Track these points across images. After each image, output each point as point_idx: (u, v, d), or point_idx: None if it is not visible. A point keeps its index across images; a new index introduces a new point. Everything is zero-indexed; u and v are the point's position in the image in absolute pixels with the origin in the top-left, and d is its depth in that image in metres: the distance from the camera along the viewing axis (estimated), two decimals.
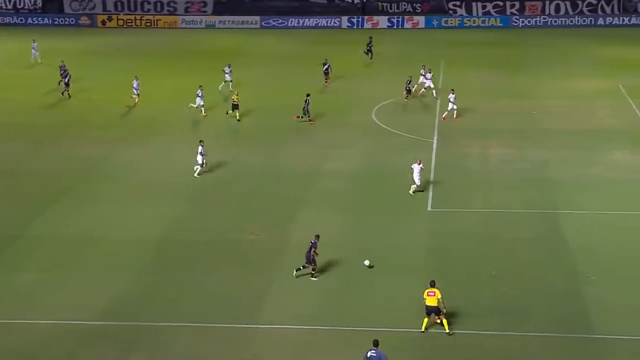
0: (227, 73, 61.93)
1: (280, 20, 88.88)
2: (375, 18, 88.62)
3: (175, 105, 58.66)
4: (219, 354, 28.86)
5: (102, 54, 77.19)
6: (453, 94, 54.02)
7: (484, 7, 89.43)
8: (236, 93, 55.47)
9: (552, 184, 43.29)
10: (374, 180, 44.63)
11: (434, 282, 29.97)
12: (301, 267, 33.86)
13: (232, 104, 54.72)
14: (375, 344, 26.20)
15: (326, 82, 63.25)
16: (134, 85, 58.69)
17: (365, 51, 71.27)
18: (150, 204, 41.54)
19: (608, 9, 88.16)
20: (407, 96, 58.47)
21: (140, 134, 53.04)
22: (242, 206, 41.37)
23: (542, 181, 43.88)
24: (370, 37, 71.72)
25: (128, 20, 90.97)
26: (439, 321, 29.60)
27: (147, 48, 79.89)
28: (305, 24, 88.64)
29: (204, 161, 45.10)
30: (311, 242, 33.95)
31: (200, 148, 44.97)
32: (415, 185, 41.59)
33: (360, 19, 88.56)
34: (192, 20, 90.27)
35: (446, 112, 53.95)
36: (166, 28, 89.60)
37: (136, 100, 58.59)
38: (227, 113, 55.08)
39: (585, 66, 69.03)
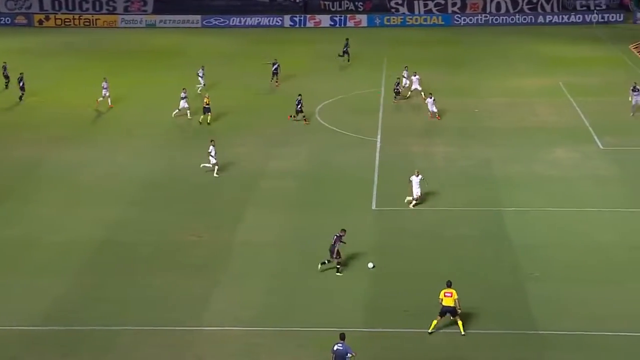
0: (200, 76, 60.79)
1: (222, 20, 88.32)
2: (318, 17, 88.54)
3: (116, 105, 57.81)
4: (162, 357, 28.47)
5: (39, 54, 75.92)
6: (431, 97, 53.76)
7: (425, 5, 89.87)
8: (207, 96, 54.25)
9: (495, 182, 43.54)
10: (318, 179, 44.51)
11: (451, 282, 29.81)
12: (326, 261, 33.84)
13: (204, 107, 53.37)
14: (342, 337, 26.28)
15: (276, 82, 62.77)
16: (104, 87, 57.15)
17: (341, 53, 69.77)
18: (92, 206, 40.92)
19: (548, 7, 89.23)
20: (395, 97, 57.83)
21: (81, 134, 52.27)
22: (185, 207, 40.94)
23: (485, 179, 44.13)
24: (347, 39, 70.71)
25: (66, 20, 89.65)
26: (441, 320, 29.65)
27: (87, 48, 78.80)
28: (247, 23, 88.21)
29: (216, 161, 44.61)
30: (335, 236, 33.84)
31: (211, 148, 44.50)
32: (411, 197, 40.23)
33: (302, 18, 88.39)
34: (132, 20, 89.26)
35: (432, 112, 53.56)
36: (105, 27, 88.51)
37: (98, 101, 56.99)
38: (200, 122, 53.65)
39: (526, 64, 69.71)
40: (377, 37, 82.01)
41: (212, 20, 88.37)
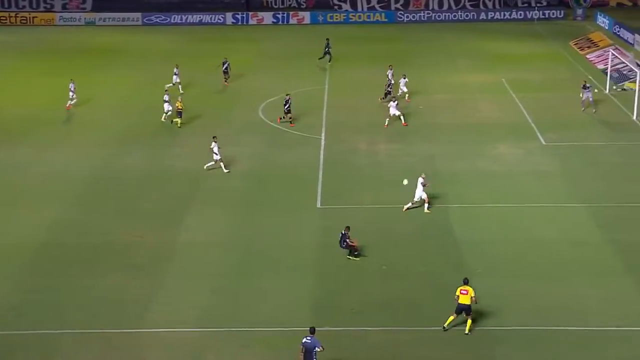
0: (175, 74, 59.56)
1: (163, 17, 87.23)
2: (260, 14, 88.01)
3: (55, 104, 56.84)
4: None
5: None
6: (394, 101, 53.01)
7: (368, 2, 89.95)
8: (180, 99, 52.82)
9: (439, 178, 43.48)
10: (262, 178, 44.17)
11: (468, 279, 29.69)
12: (350, 257, 34.55)
13: (177, 111, 51.96)
14: (312, 331, 26.39)
15: (225, 81, 62.01)
16: (71, 89, 55.42)
17: (323, 54, 68.16)
18: (31, 207, 40.11)
19: (490, 4, 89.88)
20: (384, 99, 56.19)
21: (18, 134, 51.20)
22: (128, 208, 40.35)
23: (430, 175, 43.99)
24: (327, 39, 69.71)
25: (2, 18, 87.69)
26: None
27: (24, 46, 77.27)
28: (188, 21, 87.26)
29: (220, 157, 44.25)
30: (342, 233, 34.35)
31: (213, 144, 44.13)
32: (413, 202, 39.56)
33: (244, 15, 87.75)
34: (71, 18, 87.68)
35: (392, 115, 52.35)
36: (43, 26, 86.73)
37: (69, 104, 55.24)
38: (171, 122, 52.16)
39: (469, 61, 69.94)
40: (320, 34, 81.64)
41: (152, 17, 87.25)
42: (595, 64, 67.48)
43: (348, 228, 34.70)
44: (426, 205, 39.46)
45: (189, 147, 48.79)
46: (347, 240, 34.49)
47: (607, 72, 61.28)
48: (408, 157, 46.94)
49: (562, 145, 48.62)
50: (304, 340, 26.25)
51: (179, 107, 51.97)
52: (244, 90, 60.86)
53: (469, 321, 29.37)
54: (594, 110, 54.16)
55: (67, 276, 33.49)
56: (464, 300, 29.20)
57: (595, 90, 55.15)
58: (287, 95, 52.77)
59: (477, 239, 36.74)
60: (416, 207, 39.58)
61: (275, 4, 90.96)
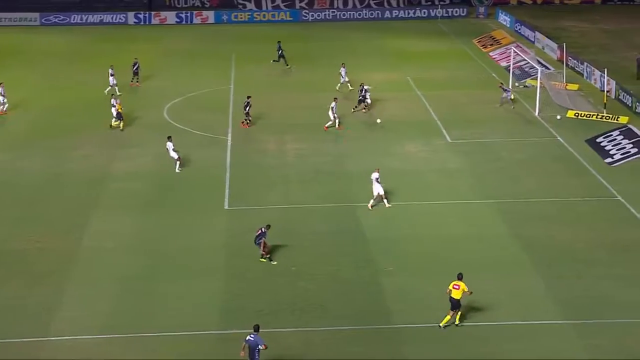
0: (111, 75, 57.74)
1: (62, 17, 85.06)
2: (163, 14, 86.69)
3: None
4: None
5: None
6: (335, 102, 52.14)
7: (273, 1, 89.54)
8: (119, 102, 51.25)
9: (348, 177, 43.51)
10: (167, 180, 43.42)
11: (462, 275, 29.52)
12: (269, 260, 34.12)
13: (117, 113, 50.44)
14: (255, 329, 26.29)
15: (137, 82, 60.67)
16: (0, 92, 53.37)
17: (277, 58, 66.86)
18: None
19: (394, 2, 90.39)
20: (358, 108, 54.40)
21: None
22: (26, 213, 39.22)
23: (339, 174, 44.07)
24: (279, 42, 68.39)
25: None
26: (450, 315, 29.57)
27: None
28: (88, 21, 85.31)
29: (177, 157, 43.70)
30: (261, 230, 33.86)
31: (169, 144, 43.62)
32: (373, 200, 39.44)
33: (147, 15, 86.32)
34: None
35: (333, 118, 51.42)
36: None
37: (3, 110, 53.33)
38: (110, 126, 50.59)
39: (375, 59, 70.08)
40: (224, 33, 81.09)
41: (51, 17, 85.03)
42: (498, 62, 68.43)
43: (268, 227, 34.41)
44: (385, 200, 39.39)
45: (90, 149, 47.65)
46: (264, 239, 34.07)
47: (509, 70, 62.18)
48: (316, 157, 46.74)
49: (466, 142, 49.09)
50: (248, 338, 26.14)
51: (119, 109, 50.70)
52: (148, 91, 59.82)
53: (458, 314, 29.48)
54: (512, 107, 55.28)
55: None
56: (456, 294, 29.23)
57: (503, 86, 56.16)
58: (247, 97, 51.89)
59: (386, 237, 36.79)
60: (377, 203, 39.45)
61: (179, 3, 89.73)
